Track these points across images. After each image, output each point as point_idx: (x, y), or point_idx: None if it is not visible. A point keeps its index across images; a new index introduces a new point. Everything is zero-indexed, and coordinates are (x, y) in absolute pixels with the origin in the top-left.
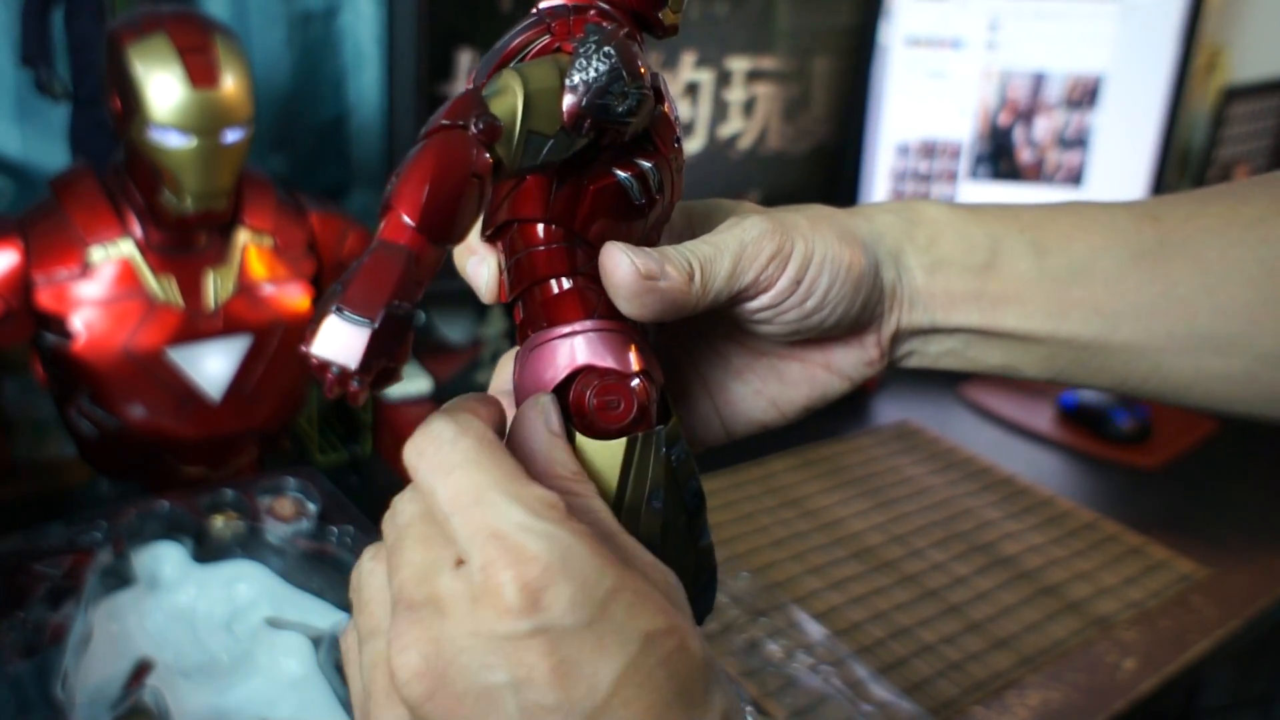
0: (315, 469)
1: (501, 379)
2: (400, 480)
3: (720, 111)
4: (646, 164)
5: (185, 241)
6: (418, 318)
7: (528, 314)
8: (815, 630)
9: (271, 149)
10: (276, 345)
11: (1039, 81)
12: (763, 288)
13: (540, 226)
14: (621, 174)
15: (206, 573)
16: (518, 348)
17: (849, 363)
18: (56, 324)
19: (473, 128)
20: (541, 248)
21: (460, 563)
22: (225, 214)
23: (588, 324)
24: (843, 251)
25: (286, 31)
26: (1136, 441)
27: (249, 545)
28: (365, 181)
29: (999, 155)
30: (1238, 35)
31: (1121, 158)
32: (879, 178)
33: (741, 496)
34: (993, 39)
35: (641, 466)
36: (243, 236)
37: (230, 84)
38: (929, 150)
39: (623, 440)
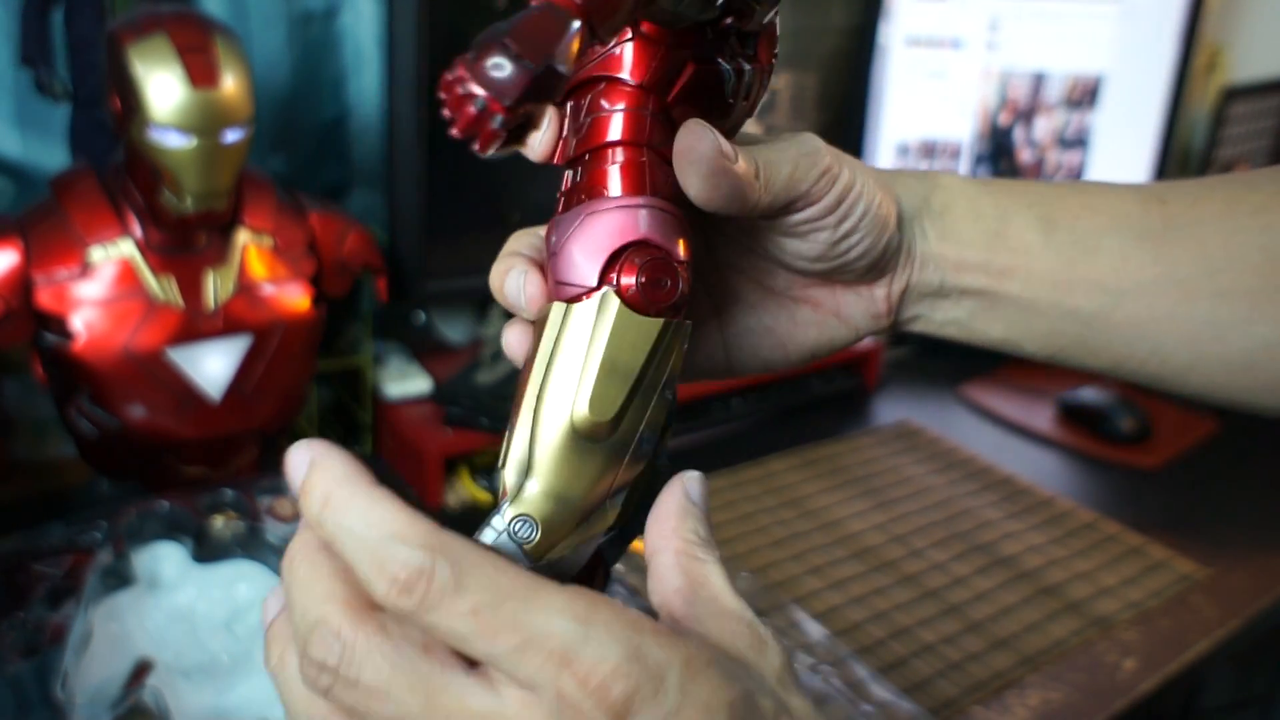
0: None
1: (519, 244)
2: (401, 480)
3: None
4: (747, 65)
5: (185, 241)
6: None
7: (588, 179)
8: (815, 630)
9: (271, 149)
10: (276, 345)
11: (1039, 81)
12: (812, 200)
13: (632, 89)
14: (725, 64)
15: (206, 573)
16: (557, 216)
17: (858, 312)
18: (56, 324)
19: None
20: (627, 110)
21: (518, 685)
22: (225, 214)
23: (654, 200)
24: (876, 190)
25: (286, 31)
26: (1136, 441)
27: (249, 545)
28: (365, 181)
29: (999, 155)
30: (1238, 35)
31: (1121, 158)
32: None
33: (741, 496)
34: (993, 39)
35: (667, 352)
36: (243, 236)
37: (230, 84)
38: (929, 150)
39: (660, 320)
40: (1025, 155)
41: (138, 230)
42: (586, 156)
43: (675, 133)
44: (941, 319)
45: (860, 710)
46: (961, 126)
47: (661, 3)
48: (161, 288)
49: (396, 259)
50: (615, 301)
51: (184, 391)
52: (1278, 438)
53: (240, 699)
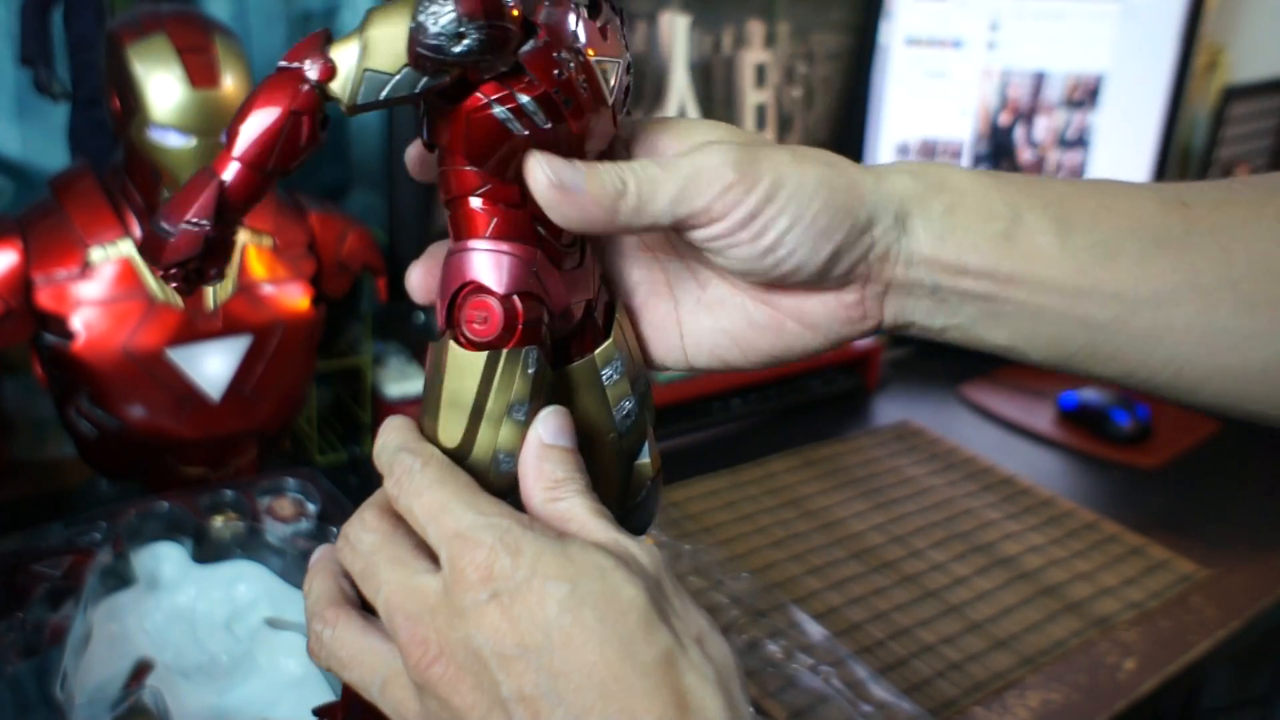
0: (315, 469)
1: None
2: None
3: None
4: (524, 98)
5: None
6: (220, 232)
7: (449, 228)
8: (815, 630)
9: None
10: (276, 345)
11: (1039, 81)
12: (715, 216)
13: (446, 151)
14: (497, 107)
15: (206, 573)
16: None
17: (823, 318)
18: (56, 324)
19: (307, 69)
20: (445, 169)
21: (435, 560)
22: None
23: (479, 244)
24: (817, 195)
25: (286, 31)
26: (1136, 441)
27: (249, 545)
28: (365, 181)
29: (999, 155)
30: (1238, 35)
31: (1122, 158)
32: None
33: (741, 496)
34: (993, 39)
35: (504, 380)
36: (242, 236)
37: (230, 84)
38: (929, 150)
39: (483, 354)
40: (1026, 155)
41: (137, 230)
42: (447, 209)
43: (507, 173)
44: (941, 325)
45: (860, 710)
46: (962, 126)
47: (357, 101)
48: (161, 288)
49: (396, 259)
50: (448, 341)
51: (184, 391)
52: (1278, 438)
53: (240, 699)
